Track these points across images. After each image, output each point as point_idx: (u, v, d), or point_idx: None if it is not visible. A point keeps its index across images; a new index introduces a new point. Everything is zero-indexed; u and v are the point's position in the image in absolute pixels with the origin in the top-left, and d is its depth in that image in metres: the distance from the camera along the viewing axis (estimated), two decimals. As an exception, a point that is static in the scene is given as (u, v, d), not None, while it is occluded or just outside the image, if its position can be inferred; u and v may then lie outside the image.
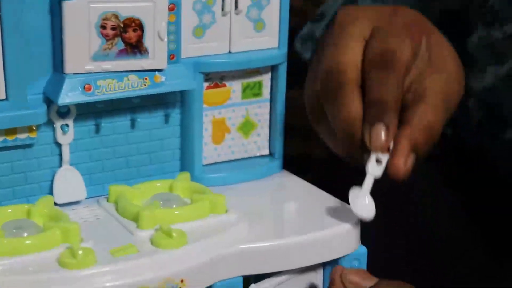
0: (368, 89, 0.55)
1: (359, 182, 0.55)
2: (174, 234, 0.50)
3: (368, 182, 0.54)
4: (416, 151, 0.54)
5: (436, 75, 0.57)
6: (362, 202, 0.53)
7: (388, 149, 0.54)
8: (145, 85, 0.55)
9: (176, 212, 0.53)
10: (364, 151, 0.54)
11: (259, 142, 0.64)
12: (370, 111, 0.54)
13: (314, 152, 0.89)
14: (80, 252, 0.47)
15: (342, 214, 0.56)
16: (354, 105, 0.54)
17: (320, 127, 0.59)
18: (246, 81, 0.62)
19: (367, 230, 0.57)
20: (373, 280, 0.52)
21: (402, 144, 0.54)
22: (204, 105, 0.60)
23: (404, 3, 0.76)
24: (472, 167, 0.76)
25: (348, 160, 0.57)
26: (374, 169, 0.54)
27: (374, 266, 0.57)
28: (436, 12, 0.76)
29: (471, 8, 0.72)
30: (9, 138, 0.53)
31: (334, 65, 0.56)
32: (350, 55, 0.56)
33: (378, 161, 0.54)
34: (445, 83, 0.58)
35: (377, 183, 0.55)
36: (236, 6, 0.59)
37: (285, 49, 0.62)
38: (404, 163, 0.53)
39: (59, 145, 0.55)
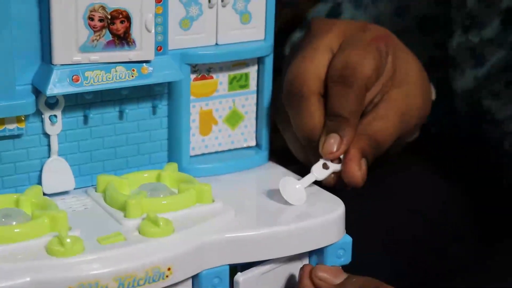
0: (329, 102, 0.59)
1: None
2: (161, 223, 0.51)
3: (308, 179, 0.57)
4: (365, 156, 0.58)
5: (397, 89, 0.62)
6: (293, 189, 0.56)
7: (339, 160, 0.58)
8: (132, 76, 0.56)
9: (163, 202, 0.54)
10: (316, 160, 0.58)
11: (246, 133, 0.64)
12: (328, 123, 0.58)
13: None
14: (68, 240, 0.48)
15: (327, 203, 0.57)
16: (314, 115, 0.59)
17: (285, 133, 0.63)
18: (233, 73, 0.62)
19: (351, 220, 0.58)
20: (342, 276, 0.53)
21: (351, 152, 0.58)
22: (192, 97, 0.61)
23: (383, 12, 0.78)
24: (458, 155, 0.77)
25: (307, 164, 0.60)
26: (318, 171, 0.58)
27: (359, 256, 0.58)
28: (415, 18, 0.78)
29: (451, 12, 0.74)
30: (-2, 128, 0.53)
31: (298, 75, 0.60)
32: (315, 67, 0.60)
33: (325, 166, 0.58)
34: (403, 97, 0.62)
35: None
36: (222, -2, 0.60)
37: (271, 41, 0.62)
38: (358, 168, 0.57)
39: (47, 136, 0.56)
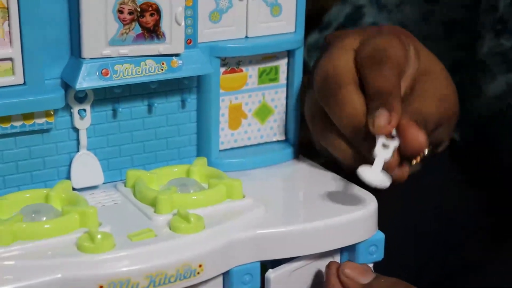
0: (367, 85, 0.56)
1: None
2: (191, 219, 0.50)
3: (379, 162, 0.54)
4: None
5: (425, 77, 0.60)
6: (374, 173, 0.54)
7: (392, 136, 0.55)
8: (162, 70, 0.55)
9: (193, 197, 0.53)
10: (370, 147, 0.55)
11: (275, 127, 0.63)
12: (372, 103, 0.56)
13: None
14: (99, 236, 0.47)
15: (359, 199, 0.56)
16: (355, 102, 0.56)
17: (324, 139, 0.60)
18: (262, 66, 0.62)
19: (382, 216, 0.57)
20: (370, 276, 0.52)
21: (404, 122, 0.55)
22: (221, 90, 0.60)
23: (408, 16, 0.77)
24: (479, 159, 0.77)
25: (351, 165, 0.58)
26: (381, 152, 0.55)
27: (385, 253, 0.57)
28: (440, 22, 0.77)
29: (481, 17, 0.72)
30: (27, 122, 0.53)
31: (330, 69, 0.58)
32: (344, 61, 0.58)
33: (384, 146, 0.55)
34: (435, 85, 0.60)
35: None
36: (252, -9, 0.59)
37: (301, 34, 0.61)
38: (418, 129, 0.55)
39: (76, 130, 0.55)
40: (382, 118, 0.54)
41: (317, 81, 0.59)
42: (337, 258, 0.56)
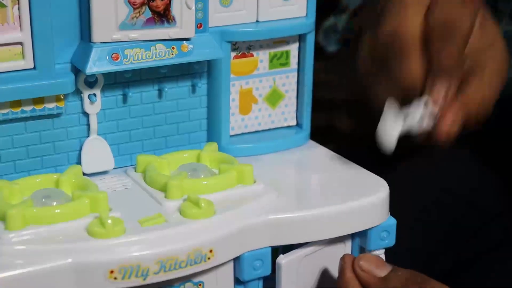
0: (432, 56, 0.57)
1: (382, 156, 0.57)
2: (202, 204, 0.50)
3: (411, 121, 0.56)
4: (466, 120, 0.58)
5: (492, 51, 0.60)
6: (391, 132, 0.55)
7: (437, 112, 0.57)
8: (172, 54, 0.55)
9: (204, 182, 0.53)
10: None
11: (286, 112, 0.63)
12: (432, 75, 0.57)
13: (337, 124, 0.89)
14: (109, 221, 0.47)
15: (371, 184, 0.56)
16: (418, 65, 0.57)
17: (373, 77, 0.61)
18: (273, 50, 0.61)
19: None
20: (386, 269, 0.51)
21: (455, 109, 0.57)
22: (231, 75, 0.59)
23: None
24: (500, 142, 0.76)
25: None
26: (417, 112, 0.57)
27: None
28: None
29: (499, 5, 0.72)
30: (37, 107, 0.53)
31: (396, 28, 0.58)
32: (412, 22, 0.58)
33: (425, 105, 0.57)
34: (498, 60, 0.60)
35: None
36: (264, -25, 0.58)
37: (313, 18, 0.61)
38: (452, 126, 0.57)
39: (86, 115, 0.55)
40: (439, 91, 0.56)
41: (385, 34, 0.59)
42: (348, 244, 0.56)
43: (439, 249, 0.73)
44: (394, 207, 0.56)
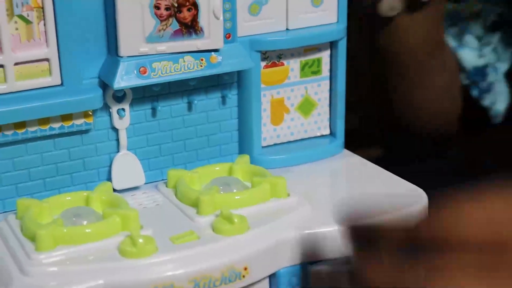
0: None
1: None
2: (235, 220, 0.49)
3: None
4: None
5: None
6: None
7: None
8: (201, 66, 0.53)
9: (236, 197, 0.51)
10: None
11: (319, 121, 0.61)
12: None
13: (365, 128, 0.87)
14: (141, 240, 0.46)
15: (408, 195, 0.54)
16: None
17: None
18: (304, 58, 0.60)
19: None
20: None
21: None
22: (262, 85, 0.58)
23: None
24: None
25: None
26: None
27: None
28: None
29: None
30: (66, 124, 0.52)
31: None
32: None
33: None
34: None
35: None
36: (292, -20, 0.57)
37: (344, 24, 0.59)
38: None
39: (115, 130, 0.54)
40: None
41: None
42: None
43: None
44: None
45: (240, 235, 0.48)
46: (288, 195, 0.53)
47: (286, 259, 0.49)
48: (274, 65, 0.59)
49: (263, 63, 0.58)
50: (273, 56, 0.58)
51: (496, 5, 0.77)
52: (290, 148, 0.60)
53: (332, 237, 0.50)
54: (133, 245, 0.46)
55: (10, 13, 0.48)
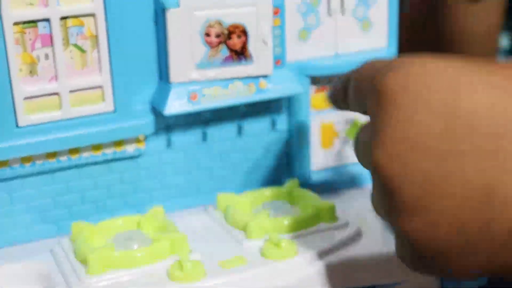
0: None
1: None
2: (283, 245, 0.49)
3: None
4: None
5: None
6: None
7: None
8: (251, 91, 0.54)
9: (285, 222, 0.51)
10: None
11: (369, 145, 0.61)
12: None
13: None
14: (189, 265, 0.46)
15: None
16: None
17: None
18: (354, 83, 0.59)
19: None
20: None
21: None
22: (312, 109, 0.58)
23: None
24: None
25: None
26: None
27: None
28: None
29: None
30: (118, 149, 0.53)
31: None
32: None
33: None
34: None
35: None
36: (341, 5, 0.57)
37: (394, 48, 0.59)
38: None
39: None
40: None
41: None
42: (436, 282, 0.53)
43: None
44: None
45: (289, 260, 0.48)
46: (337, 219, 0.52)
47: (335, 284, 0.49)
48: (323, 89, 0.59)
49: (312, 88, 0.58)
50: (323, 80, 0.59)
51: None
52: (339, 172, 0.60)
53: (383, 263, 0.50)
54: (181, 269, 0.47)
55: (66, 42, 0.50)
